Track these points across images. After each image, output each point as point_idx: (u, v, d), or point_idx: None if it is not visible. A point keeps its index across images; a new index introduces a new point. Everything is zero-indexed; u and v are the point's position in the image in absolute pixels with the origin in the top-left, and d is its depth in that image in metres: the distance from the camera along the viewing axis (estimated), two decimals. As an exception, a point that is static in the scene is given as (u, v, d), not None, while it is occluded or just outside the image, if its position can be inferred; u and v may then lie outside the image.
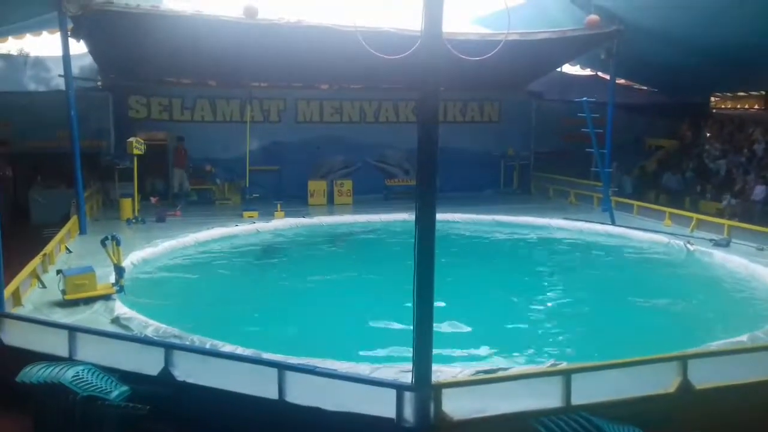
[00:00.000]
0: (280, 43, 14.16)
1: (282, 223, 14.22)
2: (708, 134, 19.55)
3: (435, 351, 4.96)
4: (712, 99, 23.02)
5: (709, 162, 17.99)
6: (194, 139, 17.23)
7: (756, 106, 22.59)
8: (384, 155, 18.99)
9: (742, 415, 5.64)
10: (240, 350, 6.20)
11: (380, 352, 7.02)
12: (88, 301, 8.05)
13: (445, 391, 4.98)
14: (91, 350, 6.11)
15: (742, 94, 22.71)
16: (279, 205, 14.85)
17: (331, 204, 16.93)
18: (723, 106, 23.58)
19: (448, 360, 6.42)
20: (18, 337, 6.57)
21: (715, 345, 6.52)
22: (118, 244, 8.56)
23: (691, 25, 14.40)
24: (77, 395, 5.26)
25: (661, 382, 5.54)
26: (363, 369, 5.80)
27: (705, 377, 5.61)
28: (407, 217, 13.96)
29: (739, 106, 23.29)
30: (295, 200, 16.43)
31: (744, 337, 6.83)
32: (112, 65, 16.47)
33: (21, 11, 12.93)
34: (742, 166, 16.97)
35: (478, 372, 5.77)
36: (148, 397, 5.47)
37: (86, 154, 13.35)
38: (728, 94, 23.10)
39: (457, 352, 7.04)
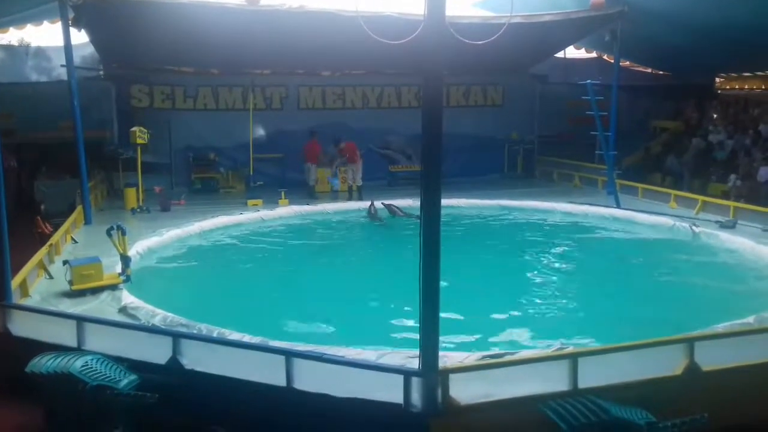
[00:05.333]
0: (282, 29, 14.07)
1: (286, 210, 14.22)
2: (714, 115, 19.39)
3: (441, 336, 4.97)
4: (717, 80, 22.84)
5: (717, 148, 17.76)
6: (197, 128, 17.19)
7: (762, 87, 22.40)
8: (387, 141, 18.89)
9: (749, 396, 5.66)
10: (247, 338, 6.23)
11: (388, 338, 7.05)
12: (95, 291, 8.07)
13: (453, 376, 5.01)
14: (99, 340, 6.16)
15: (747, 74, 22.49)
16: (283, 193, 14.82)
17: (334, 191, 16.88)
18: (728, 87, 23.38)
19: (455, 345, 6.43)
20: (26, 327, 6.63)
21: (721, 327, 6.51)
22: (123, 233, 8.58)
23: (696, 6, 14.25)
24: (86, 385, 5.29)
25: (668, 364, 5.55)
26: (370, 355, 5.81)
27: (712, 359, 5.63)
28: (411, 202, 13.95)
29: (746, 87, 23.09)
30: (299, 188, 16.37)
31: (751, 319, 6.81)
32: (113, 54, 16.40)
33: (22, 2, 12.88)
34: (746, 147, 16.86)
35: (485, 357, 5.78)
36: (157, 385, 5.51)
37: (90, 144, 13.32)
38: (733, 74, 22.90)
39: (464, 337, 7.04)
